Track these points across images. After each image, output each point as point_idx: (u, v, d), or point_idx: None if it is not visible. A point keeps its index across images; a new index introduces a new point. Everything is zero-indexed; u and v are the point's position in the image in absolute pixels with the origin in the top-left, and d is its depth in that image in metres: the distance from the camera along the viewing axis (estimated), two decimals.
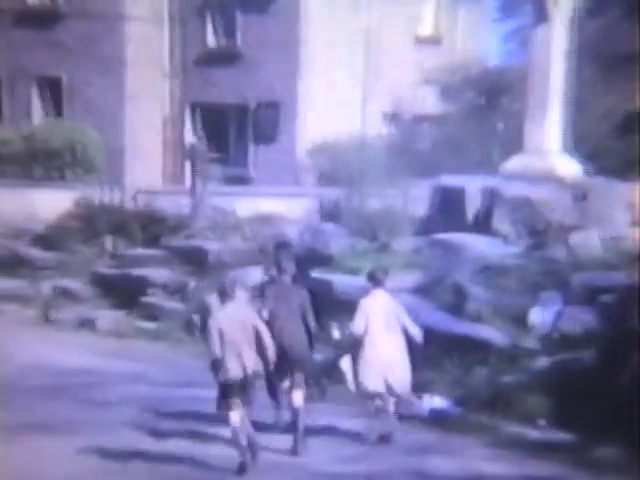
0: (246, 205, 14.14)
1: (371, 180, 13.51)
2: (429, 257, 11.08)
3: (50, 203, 16.04)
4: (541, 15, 12.07)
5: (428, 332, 9.14)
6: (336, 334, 7.73)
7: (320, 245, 12.04)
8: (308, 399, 7.47)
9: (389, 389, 7.56)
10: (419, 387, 8.59)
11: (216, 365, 6.66)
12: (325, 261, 11.54)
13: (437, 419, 8.32)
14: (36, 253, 14.24)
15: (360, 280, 10.68)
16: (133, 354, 10.36)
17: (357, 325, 7.48)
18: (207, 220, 13.88)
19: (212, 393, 7.74)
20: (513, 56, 22.98)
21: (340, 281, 10.66)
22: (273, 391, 7.69)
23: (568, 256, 10.59)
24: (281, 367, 7.24)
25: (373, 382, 7.50)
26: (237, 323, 6.68)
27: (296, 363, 7.37)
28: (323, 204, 13.84)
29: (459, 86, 19.41)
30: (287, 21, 19.71)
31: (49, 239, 14.43)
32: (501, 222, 11.69)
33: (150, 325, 11.62)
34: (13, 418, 7.99)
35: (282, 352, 7.18)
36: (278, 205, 14.04)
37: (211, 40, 20.93)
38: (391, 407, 7.65)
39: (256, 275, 11.89)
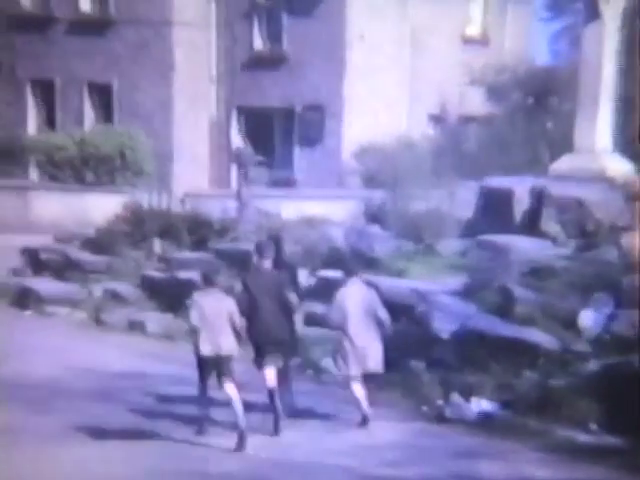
0: (291, 208, 14.17)
1: (417, 182, 13.44)
2: (475, 259, 10.97)
3: (100, 207, 16.33)
4: (592, 13, 11.86)
5: (475, 335, 9.09)
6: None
7: (365, 247, 12.00)
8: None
9: (366, 371, 8.02)
10: (467, 390, 8.53)
11: (193, 339, 7.54)
12: (370, 263, 11.50)
13: (485, 423, 8.22)
14: (86, 256, 14.45)
15: (406, 282, 10.70)
16: (180, 357, 10.41)
17: (333, 316, 8.02)
18: (252, 223, 13.94)
19: (259, 397, 7.79)
20: (562, 55, 22.72)
21: (385, 283, 10.60)
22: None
23: (619, 257, 10.38)
24: (262, 350, 7.75)
25: (354, 367, 7.98)
26: (214, 308, 7.46)
27: (275, 345, 7.80)
28: (368, 206, 13.80)
29: (507, 86, 19.21)
30: (333, 24, 19.75)
31: (99, 242, 14.64)
32: (550, 223, 11.52)
33: None
34: (62, 421, 8.09)
35: (263, 335, 7.72)
36: (323, 207, 14.03)
37: (258, 44, 21.09)
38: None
39: (302, 277, 11.93)
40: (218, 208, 14.50)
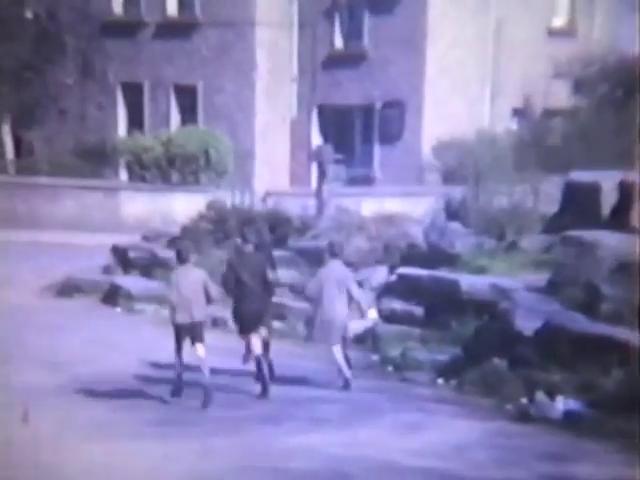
0: (371, 205, 14.14)
1: (499, 177, 13.19)
2: (561, 255, 10.68)
3: (185, 206, 16.65)
4: None
5: (560, 332, 8.85)
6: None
7: (445, 244, 11.86)
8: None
9: (334, 338, 9.11)
10: (552, 388, 8.32)
11: (170, 311, 8.58)
12: (451, 260, 11.36)
13: (571, 422, 7.99)
14: (172, 255, 14.69)
15: (488, 279, 10.51)
16: None
17: (310, 289, 9.31)
18: (332, 220, 13.96)
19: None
20: None
21: (467, 281, 10.46)
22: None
23: None
24: (246, 322, 8.91)
25: (331, 336, 9.07)
26: (188, 281, 8.48)
27: (257, 318, 8.93)
28: (448, 202, 13.63)
29: (594, 78, 18.64)
30: (414, 20, 19.60)
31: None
32: None
33: (278, 325, 11.79)
34: (147, 417, 8.25)
35: (246, 308, 8.87)
36: (403, 204, 13.96)
37: (338, 42, 21.11)
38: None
39: (381, 274, 11.88)
40: (298, 206, 14.59)
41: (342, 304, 9.00)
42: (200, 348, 8.54)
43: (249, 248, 9.08)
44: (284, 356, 10.37)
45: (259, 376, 8.89)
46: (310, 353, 10.60)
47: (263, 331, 9.03)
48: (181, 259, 8.68)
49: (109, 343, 11.06)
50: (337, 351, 9.06)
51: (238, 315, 8.99)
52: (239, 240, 9.45)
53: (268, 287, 9.08)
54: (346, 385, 9.03)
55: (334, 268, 9.15)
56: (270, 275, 9.03)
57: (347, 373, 9.06)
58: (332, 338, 9.04)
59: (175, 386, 8.69)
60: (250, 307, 8.87)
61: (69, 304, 13.36)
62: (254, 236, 9.28)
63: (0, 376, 9.18)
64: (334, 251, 9.30)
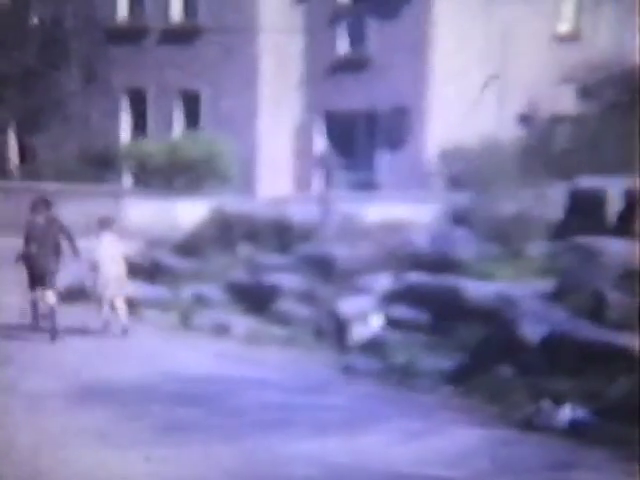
0: (375, 211, 14.08)
1: (504, 183, 13.14)
2: (566, 262, 10.63)
3: (189, 212, 16.62)
4: None
5: (565, 340, 8.79)
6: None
7: (451, 251, 11.81)
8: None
9: (115, 294, 11.67)
10: (557, 397, 8.25)
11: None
12: (456, 267, 11.30)
13: (577, 431, 7.92)
14: (175, 261, 14.73)
15: (493, 286, 10.45)
16: (264, 360, 10.47)
17: (96, 255, 11.55)
18: (336, 227, 13.91)
19: (338, 400, 7.70)
20: None
21: (472, 287, 10.40)
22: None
23: None
24: (37, 279, 11.27)
25: (107, 291, 11.61)
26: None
27: (47, 276, 11.26)
28: (454, 209, 13.57)
29: (600, 84, 18.61)
30: (418, 26, 19.60)
31: (187, 247, 14.90)
32: None
33: (281, 331, 11.75)
34: (149, 424, 8.20)
35: (37, 269, 11.22)
36: (407, 210, 13.89)
37: (342, 48, 21.11)
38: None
39: (386, 281, 11.83)
40: (302, 212, 14.57)
41: (115, 266, 11.51)
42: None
43: (39, 219, 11.32)
44: (290, 364, 10.35)
45: (51, 323, 11.16)
46: (318, 360, 10.56)
47: (51, 290, 11.21)
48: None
49: (113, 349, 11.02)
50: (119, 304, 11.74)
51: (30, 273, 11.24)
52: (31, 213, 11.66)
53: (57, 250, 11.31)
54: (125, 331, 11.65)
55: (107, 237, 11.61)
56: (61, 243, 11.36)
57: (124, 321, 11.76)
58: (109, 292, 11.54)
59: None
60: (40, 267, 11.14)
61: (73, 310, 13.33)
62: (44, 208, 11.50)
63: (2, 379, 9.14)
64: (104, 224, 11.79)
